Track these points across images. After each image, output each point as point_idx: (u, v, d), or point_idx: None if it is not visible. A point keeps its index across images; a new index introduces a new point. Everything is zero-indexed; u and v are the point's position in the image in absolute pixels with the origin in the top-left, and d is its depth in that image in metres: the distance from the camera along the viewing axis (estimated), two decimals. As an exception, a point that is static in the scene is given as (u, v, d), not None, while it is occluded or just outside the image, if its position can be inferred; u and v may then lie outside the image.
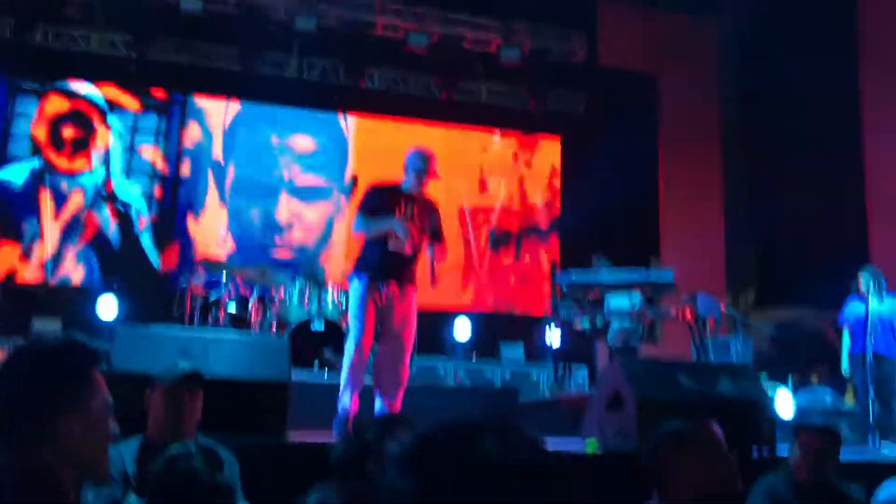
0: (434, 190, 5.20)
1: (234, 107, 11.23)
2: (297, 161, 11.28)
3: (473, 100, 11.91)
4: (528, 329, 10.43)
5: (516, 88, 11.96)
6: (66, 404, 1.61)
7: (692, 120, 11.89)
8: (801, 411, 7.00)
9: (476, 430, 0.81)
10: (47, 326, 9.05)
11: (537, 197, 12.23)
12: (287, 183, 11.18)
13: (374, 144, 11.23)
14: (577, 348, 9.21)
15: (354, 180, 10.27)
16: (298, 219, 11.17)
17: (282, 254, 10.94)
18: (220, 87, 11.16)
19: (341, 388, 4.83)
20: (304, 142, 11.35)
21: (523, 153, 12.30)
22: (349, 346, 4.83)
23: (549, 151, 12.38)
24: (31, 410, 1.58)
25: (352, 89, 11.41)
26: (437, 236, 5.05)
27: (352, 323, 4.92)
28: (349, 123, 11.58)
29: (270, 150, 11.20)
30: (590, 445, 4.20)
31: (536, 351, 10.02)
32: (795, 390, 8.54)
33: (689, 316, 7.33)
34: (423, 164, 4.94)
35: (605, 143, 11.16)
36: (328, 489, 1.75)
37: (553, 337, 8.76)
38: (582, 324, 8.15)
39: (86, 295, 9.98)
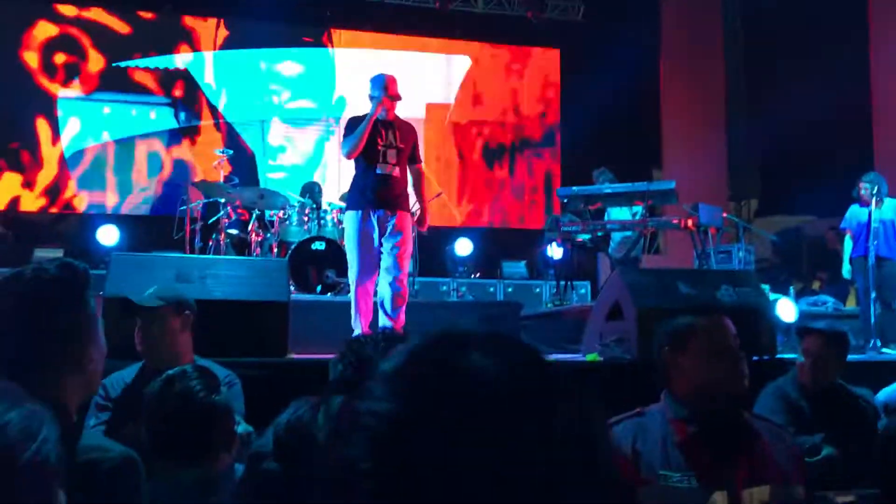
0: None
1: (223, 32, 11.00)
2: (286, 87, 11.17)
3: (469, 10, 11.60)
4: (529, 245, 10.43)
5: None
6: (70, 332, 1.61)
7: (694, 27, 11.58)
8: (803, 317, 7.02)
9: (468, 343, 0.75)
10: (48, 256, 9.08)
11: (531, 109, 12.06)
12: (277, 107, 11.10)
13: (361, 67, 11.06)
14: (579, 262, 9.20)
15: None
16: (291, 142, 11.11)
17: (276, 175, 10.92)
18: (209, 6, 10.88)
19: (352, 316, 5.00)
20: (292, 68, 11.21)
21: (515, 64, 12.08)
22: (351, 277, 5.02)
23: (543, 62, 12.14)
24: (42, 341, 1.57)
25: (343, 3, 11.11)
26: (413, 159, 5.25)
27: (350, 255, 5.07)
28: (335, 50, 11.38)
29: (260, 76, 11.08)
30: (590, 357, 4.23)
31: (538, 267, 10.04)
32: (798, 297, 8.58)
33: (690, 225, 7.27)
34: (381, 89, 5.05)
35: (604, 52, 10.92)
36: (303, 402, 1.74)
37: (554, 251, 8.75)
38: (583, 237, 8.12)
39: (87, 223, 10.00)
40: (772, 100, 10.42)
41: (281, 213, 7.97)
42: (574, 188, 7.87)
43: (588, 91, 10.71)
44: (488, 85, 11.92)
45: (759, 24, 11.39)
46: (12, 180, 10.16)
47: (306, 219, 7.89)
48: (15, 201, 10.16)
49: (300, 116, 11.22)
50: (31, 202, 10.25)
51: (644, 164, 11.15)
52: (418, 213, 5.39)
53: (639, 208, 7.84)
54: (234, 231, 8.28)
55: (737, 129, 11.81)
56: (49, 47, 10.36)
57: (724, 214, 7.97)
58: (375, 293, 5.11)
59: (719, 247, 8.13)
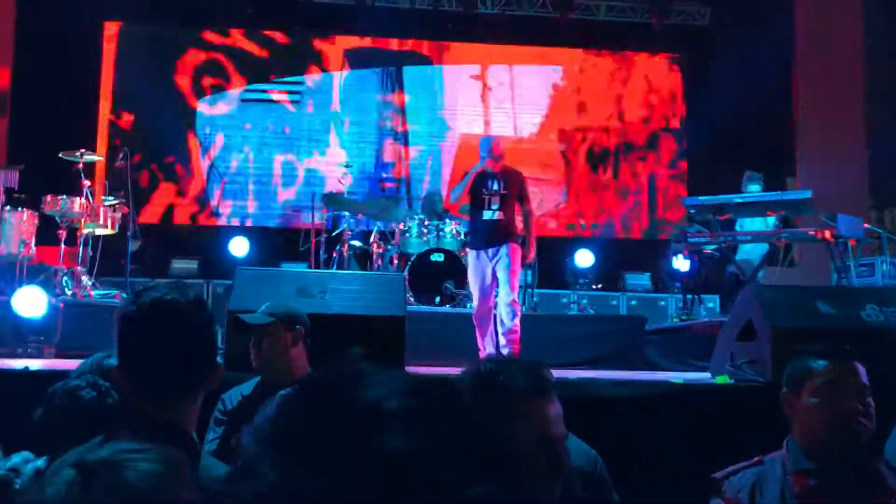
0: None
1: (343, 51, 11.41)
2: (399, 104, 11.47)
3: (590, 18, 11.40)
4: (652, 256, 10.11)
5: (635, 2, 11.36)
6: (204, 359, 1.70)
7: (832, 26, 10.90)
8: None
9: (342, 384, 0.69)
10: (185, 266, 9.54)
11: (634, 114, 11.74)
12: (389, 130, 11.39)
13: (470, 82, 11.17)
14: (708, 275, 8.83)
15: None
16: (401, 157, 11.35)
17: (394, 188, 11.18)
18: (337, 24, 11.24)
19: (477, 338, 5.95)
20: (406, 84, 11.48)
21: (619, 72, 11.79)
22: (474, 300, 6.11)
23: (647, 68, 11.79)
24: (176, 369, 1.63)
25: (465, 16, 11.16)
26: (521, 200, 6.15)
27: (471, 285, 6.20)
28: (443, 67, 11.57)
29: (375, 94, 11.44)
30: (720, 379, 4.00)
31: (663, 279, 9.71)
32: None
33: (828, 237, 6.81)
34: (487, 151, 6.01)
35: (732, 57, 10.48)
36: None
37: (681, 263, 8.43)
38: (711, 248, 7.77)
39: (222, 234, 10.49)
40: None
41: (401, 225, 8.06)
42: (701, 198, 7.53)
43: (714, 97, 10.29)
44: (594, 91, 11.71)
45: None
46: (168, 191, 10.96)
47: (426, 230, 7.95)
48: (169, 211, 10.91)
49: (411, 132, 11.38)
50: (183, 212, 10.97)
51: (777, 173, 10.61)
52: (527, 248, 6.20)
53: (772, 219, 7.43)
54: (356, 243, 8.46)
55: (879, 132, 11.04)
56: (198, 71, 11.20)
57: (866, 225, 7.46)
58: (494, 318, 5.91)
59: (860, 259, 7.60)
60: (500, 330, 5.87)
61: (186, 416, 1.64)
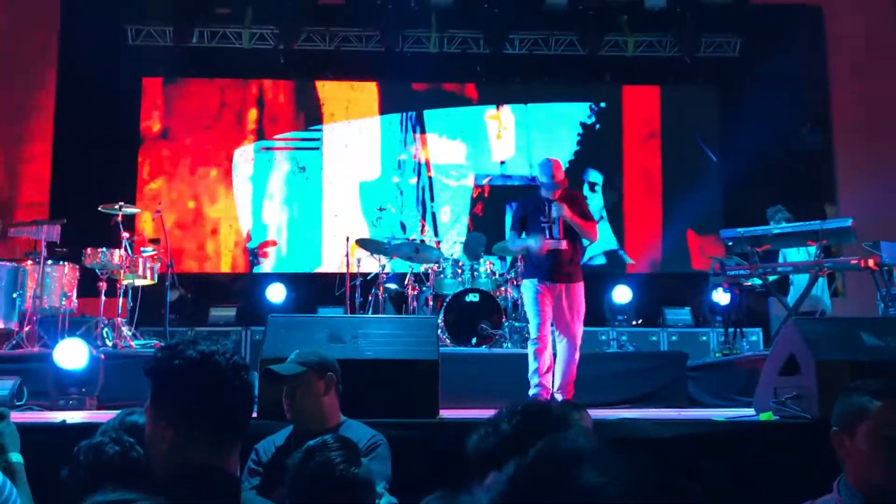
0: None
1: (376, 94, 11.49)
2: (436, 145, 11.46)
3: (619, 54, 11.41)
4: (692, 290, 9.95)
5: (664, 37, 11.35)
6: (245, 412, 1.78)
7: (867, 47, 10.74)
8: None
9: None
10: (223, 314, 9.62)
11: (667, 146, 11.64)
12: (412, 170, 11.44)
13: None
14: (749, 307, 8.67)
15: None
16: (440, 197, 11.33)
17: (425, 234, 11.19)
18: (363, 70, 11.38)
19: (530, 372, 5.64)
20: (440, 127, 11.49)
21: (651, 105, 11.72)
22: (531, 336, 5.72)
23: (680, 100, 11.70)
24: (223, 421, 1.70)
25: (493, 57, 11.24)
26: (585, 217, 5.81)
27: (530, 317, 5.80)
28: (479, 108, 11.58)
29: (412, 136, 11.49)
30: (764, 416, 3.88)
31: (704, 313, 9.55)
32: None
33: (872, 265, 6.64)
34: (548, 175, 5.72)
35: (765, 86, 10.40)
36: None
37: (720, 297, 8.29)
38: (752, 281, 7.63)
39: (259, 280, 10.60)
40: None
41: (435, 267, 8.05)
42: (739, 230, 7.42)
43: (750, 127, 10.19)
44: (628, 126, 11.67)
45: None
46: (205, 239, 11.09)
47: (460, 271, 7.93)
48: (207, 259, 11.04)
49: (448, 173, 11.41)
50: (221, 261, 11.09)
51: (816, 202, 10.43)
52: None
53: (813, 249, 7.28)
54: (392, 286, 8.46)
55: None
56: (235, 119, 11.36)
57: (911, 252, 7.25)
58: (555, 355, 5.69)
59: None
60: (557, 372, 5.66)
61: (230, 460, 1.70)
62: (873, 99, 10.65)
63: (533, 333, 5.70)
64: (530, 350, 5.69)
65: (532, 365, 5.66)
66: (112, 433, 2.02)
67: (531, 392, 5.60)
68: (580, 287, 5.75)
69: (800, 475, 2.35)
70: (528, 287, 5.80)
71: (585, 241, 6.00)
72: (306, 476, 1.95)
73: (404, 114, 11.49)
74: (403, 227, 10.74)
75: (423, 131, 11.46)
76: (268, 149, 11.29)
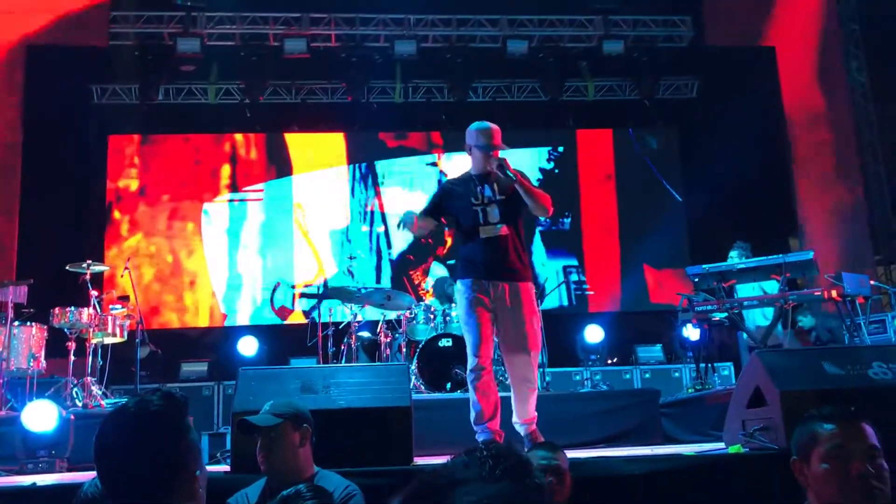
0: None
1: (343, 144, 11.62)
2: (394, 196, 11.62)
3: (580, 98, 11.67)
4: (662, 327, 10.06)
5: (623, 81, 11.64)
6: (177, 459, 1.67)
7: (820, 82, 11.05)
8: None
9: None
10: (195, 369, 9.53)
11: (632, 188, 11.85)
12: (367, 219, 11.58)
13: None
14: (720, 342, 8.78)
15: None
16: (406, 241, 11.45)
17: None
18: (330, 121, 11.52)
19: (472, 416, 4.46)
20: (400, 176, 11.69)
21: (609, 148, 11.96)
22: (469, 363, 4.39)
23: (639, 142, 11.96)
24: (151, 471, 1.63)
25: (457, 105, 11.44)
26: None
27: (465, 334, 4.43)
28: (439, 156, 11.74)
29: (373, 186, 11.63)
30: (733, 449, 3.94)
31: (675, 349, 9.64)
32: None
33: (835, 296, 6.79)
34: (486, 139, 4.48)
35: (724, 125, 10.67)
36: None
37: (690, 332, 8.39)
38: (719, 315, 7.74)
39: (230, 334, 10.53)
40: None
41: (408, 314, 8.07)
42: (704, 266, 7.55)
43: (710, 165, 10.43)
44: (587, 168, 11.89)
45: (889, 70, 10.81)
46: (175, 294, 11.09)
47: (432, 316, 7.95)
48: (176, 315, 10.99)
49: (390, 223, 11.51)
50: (190, 316, 11.05)
51: (779, 235, 10.64)
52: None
53: (776, 282, 7.42)
54: (364, 334, 8.45)
55: (875, 185, 11.09)
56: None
57: (872, 281, 7.43)
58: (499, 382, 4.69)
59: (870, 317, 7.55)
60: (514, 404, 4.42)
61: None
62: (826, 130, 10.96)
63: (471, 360, 4.33)
64: (470, 384, 4.37)
65: (474, 407, 4.37)
66: (94, 488, 2.00)
67: (479, 438, 4.40)
68: (529, 288, 4.41)
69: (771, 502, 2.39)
70: (461, 292, 4.41)
71: (541, 218, 4.69)
72: (279, 526, 1.97)
73: (356, 165, 11.61)
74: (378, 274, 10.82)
75: (376, 184, 11.59)
76: (241, 200, 11.38)
